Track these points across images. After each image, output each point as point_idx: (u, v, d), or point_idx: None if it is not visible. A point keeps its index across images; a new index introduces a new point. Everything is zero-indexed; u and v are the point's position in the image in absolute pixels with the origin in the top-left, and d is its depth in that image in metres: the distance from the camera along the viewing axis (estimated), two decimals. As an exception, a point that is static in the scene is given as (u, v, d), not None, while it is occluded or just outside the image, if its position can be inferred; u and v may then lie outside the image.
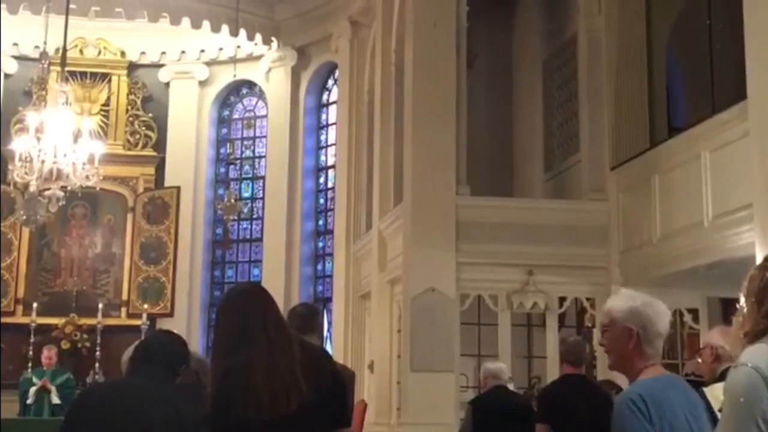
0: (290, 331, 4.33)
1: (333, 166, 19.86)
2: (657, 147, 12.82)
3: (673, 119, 13.96)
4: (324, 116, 20.91)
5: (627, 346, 3.95)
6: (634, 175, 13.22)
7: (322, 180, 20.63)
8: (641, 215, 12.81)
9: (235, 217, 19.78)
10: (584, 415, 7.16)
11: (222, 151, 21.44)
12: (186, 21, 19.11)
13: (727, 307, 12.46)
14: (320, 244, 20.27)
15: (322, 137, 20.82)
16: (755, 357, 3.06)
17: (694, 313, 13.19)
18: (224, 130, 21.79)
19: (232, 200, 16.92)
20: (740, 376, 3.06)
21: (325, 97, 20.99)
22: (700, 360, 5.34)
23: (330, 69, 20.53)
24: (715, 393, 3.96)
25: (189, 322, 19.94)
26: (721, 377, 4.56)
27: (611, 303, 4.08)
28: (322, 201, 20.49)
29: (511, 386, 8.26)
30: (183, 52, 20.96)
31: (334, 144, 19.79)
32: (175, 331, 5.32)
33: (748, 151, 10.13)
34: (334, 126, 20.07)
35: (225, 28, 19.03)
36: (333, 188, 19.64)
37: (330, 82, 20.79)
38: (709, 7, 12.44)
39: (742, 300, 3.33)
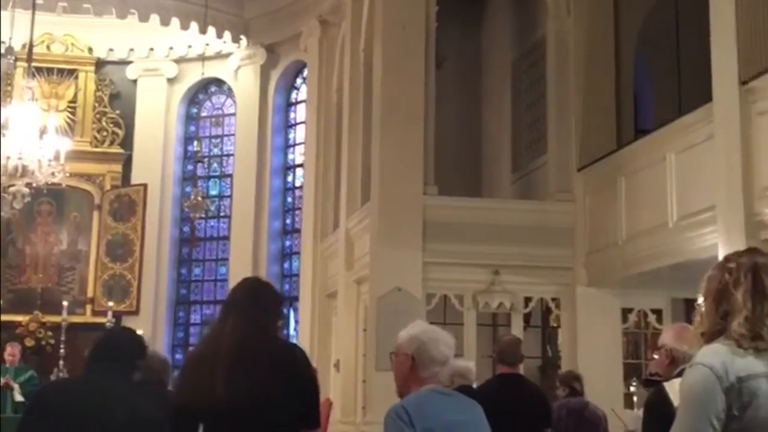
0: (264, 327, 4.33)
1: (301, 165, 19.84)
2: (623, 149, 12.89)
3: (640, 121, 14.08)
4: (292, 115, 20.89)
5: (405, 369, 4.21)
6: (600, 177, 13.28)
7: (290, 178, 20.60)
8: (607, 216, 12.88)
9: (203, 215, 19.76)
10: (517, 414, 7.18)
11: (190, 148, 21.37)
12: (155, 18, 19.03)
13: (691, 308, 12.51)
14: (287, 243, 20.25)
15: (291, 136, 20.80)
16: (710, 357, 3.09)
17: (658, 313, 13.31)
18: (192, 128, 21.73)
19: (199, 198, 16.86)
20: (695, 375, 3.08)
21: (293, 95, 20.96)
22: (656, 357, 5.38)
23: (299, 68, 20.51)
24: (675, 388, 4.00)
25: (155, 320, 19.88)
26: (679, 376, 4.59)
27: (399, 334, 4.34)
28: (289, 199, 20.47)
29: (475, 386, 8.25)
30: (151, 49, 20.88)
31: (303, 143, 19.76)
32: (127, 328, 5.31)
33: (712, 153, 10.21)
34: (302, 125, 20.05)
35: (194, 25, 18.97)
36: (301, 187, 19.62)
37: (299, 80, 20.77)
38: (677, 11, 12.52)
39: (701, 300, 3.35)
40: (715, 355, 3.08)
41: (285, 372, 4.20)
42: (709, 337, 3.21)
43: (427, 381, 4.16)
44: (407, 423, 3.94)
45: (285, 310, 4.66)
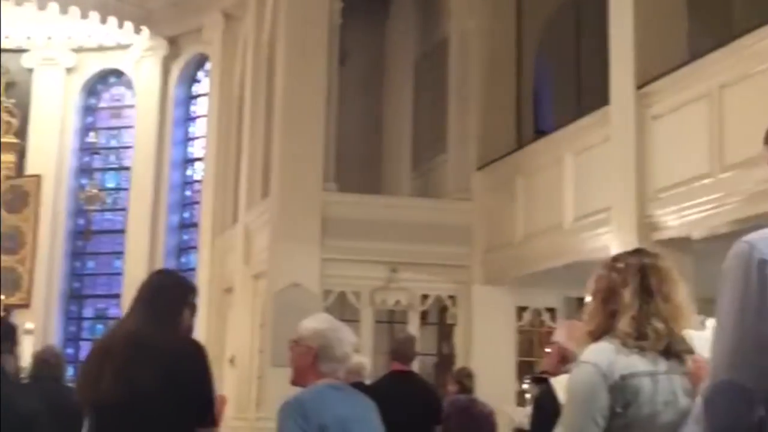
0: (160, 322, 4.26)
1: (201, 159, 19.64)
2: (522, 149, 13.03)
3: (540, 122, 14.24)
4: (193, 108, 20.67)
5: (305, 362, 4.19)
6: (499, 176, 13.40)
7: (189, 172, 20.38)
8: (505, 215, 13.00)
9: (98, 208, 19.45)
10: (408, 411, 7.20)
11: (87, 140, 20.98)
12: (53, 6, 18.62)
13: (584, 307, 12.73)
14: (185, 237, 20.03)
15: (191, 129, 20.58)
16: (597, 355, 3.12)
17: (552, 312, 13.51)
18: (90, 119, 21.34)
19: (95, 190, 16.57)
20: (581, 373, 3.11)
21: (195, 88, 20.74)
22: (548, 350, 5.45)
23: (201, 61, 20.30)
24: (562, 384, 4.04)
25: (47, 314, 19.49)
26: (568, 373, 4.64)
27: (303, 322, 4.33)
28: (188, 193, 20.24)
29: (368, 382, 8.26)
30: (49, 38, 20.42)
31: (203, 136, 19.56)
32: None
33: (608, 155, 10.38)
34: (203, 118, 19.84)
35: (94, 14, 18.64)
36: (200, 181, 19.43)
37: (201, 74, 20.55)
38: (578, 16, 12.70)
39: (589, 299, 3.38)
40: (600, 354, 3.11)
41: (176, 369, 4.13)
42: (597, 335, 3.24)
43: (326, 375, 4.15)
44: (302, 417, 3.92)
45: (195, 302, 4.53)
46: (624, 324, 3.15)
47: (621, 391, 3.04)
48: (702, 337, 3.21)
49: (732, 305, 2.23)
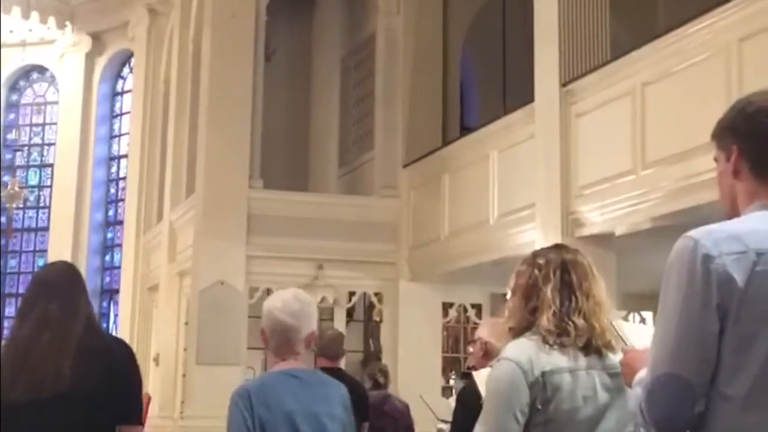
0: (86, 316, 4.13)
1: (125, 156, 19.45)
2: (448, 146, 13.07)
3: (466, 119, 14.30)
4: (118, 105, 20.47)
5: (268, 348, 4.06)
6: (425, 173, 13.43)
7: (114, 170, 20.17)
8: (431, 212, 13.03)
9: (20, 205, 19.17)
10: None
11: (8, 137, 20.66)
12: (-27, 1, 18.33)
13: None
14: (109, 235, 19.83)
15: (116, 126, 20.37)
16: (517, 352, 3.11)
17: (477, 308, 13.57)
18: (12, 115, 21.03)
19: (17, 188, 16.30)
20: (501, 370, 3.10)
21: (120, 85, 20.54)
22: (471, 350, 5.46)
23: (126, 57, 20.11)
24: (484, 376, 4.02)
25: (-33, 313, 19.19)
26: (492, 368, 4.64)
27: None
28: (113, 191, 20.04)
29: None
30: (-31, 33, 20.10)
31: (128, 133, 19.38)
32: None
33: (533, 152, 10.45)
34: (128, 115, 19.66)
35: (16, 9, 18.36)
36: (125, 178, 19.24)
37: (125, 70, 20.36)
38: (504, 14, 12.76)
39: (509, 295, 3.37)
40: (521, 351, 3.11)
41: (112, 367, 4.02)
42: (518, 331, 3.23)
43: (281, 351, 3.91)
44: (248, 409, 3.72)
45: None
46: (545, 320, 3.15)
47: (542, 388, 3.04)
48: (633, 329, 3.21)
49: (676, 300, 2.24)
